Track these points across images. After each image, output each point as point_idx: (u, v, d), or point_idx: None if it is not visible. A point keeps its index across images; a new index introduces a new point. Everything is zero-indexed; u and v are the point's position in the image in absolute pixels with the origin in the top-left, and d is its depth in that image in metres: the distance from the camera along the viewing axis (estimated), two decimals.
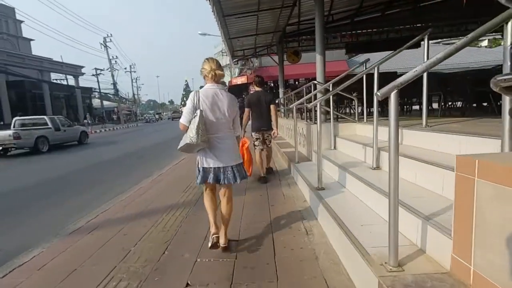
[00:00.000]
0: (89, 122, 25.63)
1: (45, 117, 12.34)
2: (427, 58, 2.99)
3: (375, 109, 3.13)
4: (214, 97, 2.24)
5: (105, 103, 38.69)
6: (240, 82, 23.19)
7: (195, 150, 2.26)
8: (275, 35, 10.39)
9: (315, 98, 4.70)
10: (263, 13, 8.20)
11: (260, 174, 4.47)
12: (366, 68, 4.01)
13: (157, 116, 53.53)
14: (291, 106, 4.41)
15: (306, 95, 5.48)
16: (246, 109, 4.41)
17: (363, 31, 10.62)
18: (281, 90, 11.34)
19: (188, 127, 2.16)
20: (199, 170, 2.32)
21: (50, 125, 11.77)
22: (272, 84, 24.04)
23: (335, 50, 12.33)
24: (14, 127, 11.27)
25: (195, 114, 2.13)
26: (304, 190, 3.66)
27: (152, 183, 4.91)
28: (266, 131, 4.47)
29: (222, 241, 2.33)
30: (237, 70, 27.38)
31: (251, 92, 4.79)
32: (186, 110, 2.22)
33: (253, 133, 4.53)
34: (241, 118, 3.48)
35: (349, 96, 4.54)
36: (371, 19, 10.06)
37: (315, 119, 4.76)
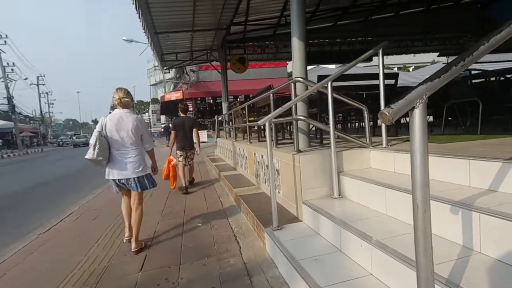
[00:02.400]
0: None
1: None
2: (382, 73, 2.61)
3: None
4: (119, 119, 2.67)
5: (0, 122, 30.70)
6: (174, 98, 20.40)
7: (101, 164, 2.62)
8: (217, 36, 8.39)
9: (295, 109, 2.77)
10: (201, 1, 6.17)
11: (183, 185, 4.96)
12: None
13: (74, 138, 44.43)
14: (261, 122, 2.30)
15: (274, 105, 3.50)
16: (172, 132, 5.11)
17: (315, 41, 9.54)
18: (224, 105, 9.25)
19: None
20: (111, 182, 2.74)
21: None
22: (211, 101, 21.90)
23: (285, 61, 11.02)
24: None
25: (95, 135, 2.56)
26: None
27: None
28: (189, 150, 5.16)
29: (132, 246, 2.66)
30: (171, 86, 24.46)
31: (177, 117, 5.47)
32: (94, 132, 2.62)
33: (177, 151, 5.10)
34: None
35: (357, 105, 2.71)
36: (323, 29, 9.05)
37: (298, 144, 2.76)
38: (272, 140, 3.43)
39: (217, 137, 9.22)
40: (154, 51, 8.35)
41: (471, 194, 1.62)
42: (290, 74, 21.15)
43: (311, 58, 9.21)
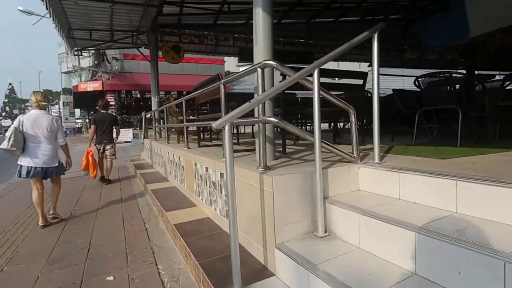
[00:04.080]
0: None
1: None
2: (377, 62, 1.95)
3: None
4: (35, 119, 3.19)
5: None
6: (92, 89, 17.26)
7: (14, 154, 3.08)
8: (146, 15, 6.86)
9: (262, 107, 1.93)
10: None
11: (103, 175, 5.39)
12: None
13: None
14: (219, 123, 1.38)
15: (226, 101, 2.56)
16: (92, 126, 5.34)
17: None
18: (154, 100, 7.78)
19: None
20: (21, 168, 3.14)
21: None
22: (138, 95, 19.34)
23: (225, 55, 10.08)
24: None
25: (11, 130, 3.04)
26: None
27: None
28: (106, 143, 5.35)
29: (42, 220, 3.22)
30: (89, 75, 20.70)
31: (97, 112, 5.53)
32: (11, 127, 3.09)
33: (97, 145, 5.31)
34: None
35: (343, 105, 1.99)
36: None
37: (265, 156, 1.93)
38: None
39: (144, 137, 7.70)
40: (56, 22, 6.32)
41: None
42: (228, 73, 20.33)
43: (247, 53, 8.53)
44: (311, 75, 1.74)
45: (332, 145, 1.96)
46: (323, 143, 1.82)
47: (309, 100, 5.16)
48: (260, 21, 2.16)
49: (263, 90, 1.91)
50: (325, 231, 1.79)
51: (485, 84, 3.11)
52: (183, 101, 3.97)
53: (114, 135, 5.50)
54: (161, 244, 2.67)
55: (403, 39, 9.63)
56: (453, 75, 2.88)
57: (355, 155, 2.06)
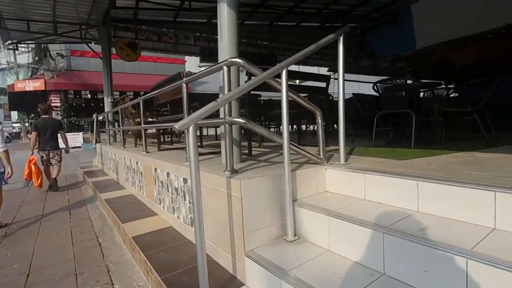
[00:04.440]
0: None
1: None
2: (342, 65, 2.02)
3: None
4: None
5: None
6: (31, 88, 15.47)
7: None
8: (97, 7, 6.28)
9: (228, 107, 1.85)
10: None
11: (51, 184, 4.96)
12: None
13: None
14: (182, 124, 1.25)
15: (188, 102, 2.42)
16: (33, 133, 4.95)
17: (215, 36, 8.76)
18: (107, 101, 7.20)
19: None
20: None
21: None
22: (88, 96, 17.83)
23: (185, 55, 9.73)
24: None
25: None
26: None
27: None
28: (51, 150, 5.00)
29: None
30: (28, 72, 18.50)
31: (39, 118, 5.34)
32: None
33: (40, 152, 4.94)
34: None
35: (310, 106, 1.97)
36: None
37: (231, 159, 1.84)
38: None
39: (96, 142, 7.07)
40: None
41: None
42: (189, 74, 19.77)
43: (209, 53, 8.37)
44: (279, 75, 1.70)
45: (300, 147, 1.94)
46: (292, 145, 1.79)
47: (273, 102, 5.21)
48: (225, 16, 2.07)
49: (229, 90, 1.81)
50: (295, 235, 1.75)
51: (434, 91, 3.40)
52: (141, 101, 3.69)
53: (60, 141, 5.17)
54: (118, 260, 2.41)
55: (359, 47, 10.28)
56: (408, 81, 3.09)
57: (321, 156, 2.06)
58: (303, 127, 5.57)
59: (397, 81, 3.06)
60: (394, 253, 1.29)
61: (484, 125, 2.92)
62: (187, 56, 16.37)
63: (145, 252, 2.06)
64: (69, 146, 5.70)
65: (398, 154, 2.37)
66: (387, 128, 3.68)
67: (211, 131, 8.49)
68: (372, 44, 9.94)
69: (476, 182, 1.36)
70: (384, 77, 3.54)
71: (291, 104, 2.13)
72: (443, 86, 3.57)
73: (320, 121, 2.07)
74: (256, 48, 9.60)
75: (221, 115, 2.04)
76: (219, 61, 2.03)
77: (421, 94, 4.47)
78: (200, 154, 2.95)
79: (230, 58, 1.83)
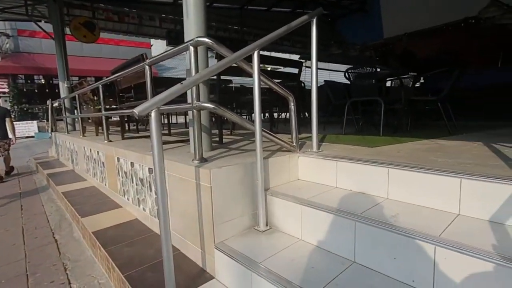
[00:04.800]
0: None
1: None
2: (316, 49, 1.96)
3: None
4: None
5: None
6: None
7: None
8: None
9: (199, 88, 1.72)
10: None
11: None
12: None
13: None
14: (142, 109, 1.12)
15: (152, 86, 2.23)
16: None
17: (182, 18, 8.31)
18: (63, 86, 6.56)
19: None
20: None
21: None
22: (42, 81, 16.25)
23: (150, 37, 9.12)
24: None
25: None
26: None
27: None
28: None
29: None
30: None
31: None
32: None
33: None
34: None
35: (283, 91, 1.89)
36: None
37: (201, 148, 1.73)
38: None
39: (52, 130, 6.48)
40: None
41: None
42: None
43: (176, 36, 7.95)
44: (251, 58, 1.59)
45: (273, 134, 1.87)
46: (264, 132, 1.71)
47: (244, 89, 5.08)
48: None
49: (197, 72, 1.68)
50: (267, 225, 1.70)
51: (402, 80, 3.50)
52: (100, 86, 3.38)
53: (9, 130, 5.08)
54: (77, 257, 2.22)
55: (329, 35, 10.36)
56: (378, 69, 3.13)
57: (294, 144, 2.02)
58: (275, 115, 5.53)
59: (367, 69, 3.09)
60: (365, 241, 1.28)
61: (446, 114, 3.06)
62: (153, 40, 15.47)
63: (107, 248, 1.91)
64: (21, 135, 5.36)
65: (368, 142, 2.41)
66: (357, 116, 3.75)
67: (181, 119, 8.16)
68: (342, 32, 10.07)
69: (443, 169, 1.38)
70: (354, 65, 3.58)
71: (263, 91, 2.04)
72: (410, 75, 3.70)
73: (293, 107, 2.01)
74: (227, 32, 9.29)
75: (189, 100, 1.90)
76: (185, 41, 1.87)
77: (388, 83, 4.61)
78: (168, 142, 2.78)
79: (197, 37, 1.68)
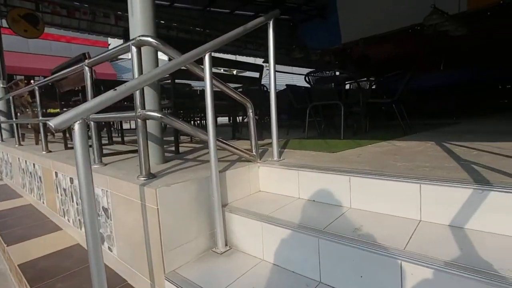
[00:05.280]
0: None
1: None
2: (273, 52, 1.84)
3: None
4: None
5: None
6: None
7: None
8: None
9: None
10: None
11: None
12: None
13: None
14: (61, 121, 0.90)
15: (93, 89, 1.95)
16: None
17: None
18: None
19: None
20: None
21: None
22: None
23: (106, 36, 8.45)
24: None
25: None
26: None
27: None
28: None
29: None
30: None
31: None
32: None
33: None
34: None
35: (239, 97, 1.74)
36: (158, 6, 7.60)
37: (147, 162, 1.53)
38: (93, 155, 1.93)
39: None
40: None
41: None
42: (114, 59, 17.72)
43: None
44: (202, 60, 1.43)
45: (229, 144, 1.72)
46: (218, 142, 1.55)
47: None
48: None
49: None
50: (226, 245, 1.55)
51: (359, 83, 3.58)
52: (36, 88, 2.96)
53: None
54: None
55: (291, 39, 10.51)
56: (337, 73, 3.14)
57: (254, 153, 1.88)
58: (240, 119, 5.40)
59: (327, 72, 3.09)
60: (330, 259, 1.19)
61: (400, 115, 3.17)
62: (112, 39, 14.48)
63: (35, 286, 1.60)
64: None
65: (330, 146, 2.37)
66: (318, 119, 3.76)
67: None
68: (303, 37, 10.28)
69: (403, 175, 1.35)
70: (314, 70, 3.58)
71: (224, 95, 1.88)
72: (366, 78, 3.81)
73: (251, 114, 1.88)
74: (189, 34, 8.97)
75: (137, 106, 1.67)
76: (130, 38, 1.65)
77: (347, 86, 4.73)
78: (119, 153, 2.50)
79: (139, 36, 1.47)
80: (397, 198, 1.33)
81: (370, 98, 3.60)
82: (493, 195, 1.10)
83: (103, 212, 1.78)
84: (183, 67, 1.50)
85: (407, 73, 3.13)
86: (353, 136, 3.04)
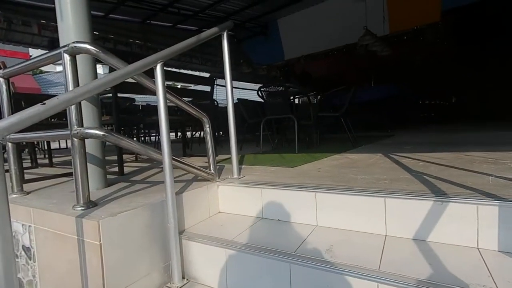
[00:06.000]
0: None
1: None
2: (229, 63, 1.77)
3: None
4: None
5: None
6: None
7: None
8: None
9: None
10: None
11: None
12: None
13: None
14: None
15: (11, 104, 1.60)
16: None
17: None
18: None
19: None
20: None
21: None
22: None
23: (28, 46, 7.33)
24: None
25: None
26: None
27: None
28: None
29: None
30: None
31: None
32: None
33: None
34: None
35: (196, 112, 1.59)
36: (93, 17, 6.99)
37: (87, 187, 1.28)
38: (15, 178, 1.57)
39: None
40: None
41: None
42: (40, 72, 15.66)
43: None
44: (152, 71, 1.27)
45: (186, 162, 1.56)
46: (174, 161, 1.39)
47: (153, 108, 4.49)
48: None
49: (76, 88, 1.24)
50: (183, 278, 1.36)
51: (310, 97, 3.73)
52: None
53: None
54: None
55: (237, 54, 10.69)
56: (290, 88, 3.22)
57: (212, 171, 1.75)
58: (188, 134, 5.15)
59: (280, 87, 3.15)
60: (304, 286, 1.11)
61: (347, 127, 3.37)
62: (33, 50, 12.77)
63: None
64: None
65: (288, 161, 2.36)
66: (270, 133, 3.78)
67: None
68: (248, 53, 10.57)
69: (366, 189, 1.36)
70: (264, 84, 3.63)
71: (173, 110, 1.73)
72: (314, 93, 4.02)
73: (208, 129, 1.76)
74: (128, 46, 8.42)
75: (72, 123, 1.41)
76: (61, 42, 1.40)
77: (296, 101, 4.92)
78: (46, 178, 2.10)
79: (74, 42, 1.25)
80: (363, 213, 1.33)
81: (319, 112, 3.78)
82: (451, 206, 1.15)
83: (23, 253, 1.43)
84: (129, 79, 1.32)
85: (353, 88, 3.37)
86: (307, 149, 3.11)
